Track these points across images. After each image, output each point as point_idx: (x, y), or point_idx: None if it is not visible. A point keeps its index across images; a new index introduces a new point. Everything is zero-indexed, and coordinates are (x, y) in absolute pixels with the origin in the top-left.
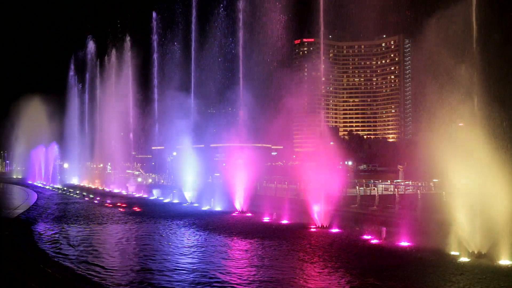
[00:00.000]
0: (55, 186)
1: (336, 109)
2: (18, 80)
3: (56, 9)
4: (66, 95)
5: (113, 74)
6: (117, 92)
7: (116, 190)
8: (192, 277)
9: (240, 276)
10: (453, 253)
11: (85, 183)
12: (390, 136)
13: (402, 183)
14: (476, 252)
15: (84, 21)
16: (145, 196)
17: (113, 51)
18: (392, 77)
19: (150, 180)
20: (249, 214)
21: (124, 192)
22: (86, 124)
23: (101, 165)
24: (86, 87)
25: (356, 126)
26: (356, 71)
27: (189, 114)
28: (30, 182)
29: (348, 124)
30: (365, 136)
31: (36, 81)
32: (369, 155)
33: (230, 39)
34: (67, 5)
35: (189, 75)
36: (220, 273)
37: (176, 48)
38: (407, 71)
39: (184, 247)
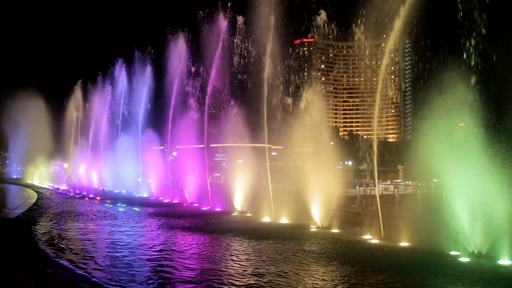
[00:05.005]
0: (56, 185)
1: (336, 109)
2: (17, 79)
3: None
4: (66, 97)
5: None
6: (116, 93)
7: (116, 190)
8: (197, 277)
9: (239, 274)
10: (453, 253)
11: (85, 183)
12: (390, 136)
13: (402, 183)
14: (476, 252)
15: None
16: (145, 195)
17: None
18: (392, 77)
19: (150, 180)
20: (249, 214)
21: (124, 192)
22: (86, 125)
23: (101, 165)
24: (86, 89)
25: (356, 126)
26: (356, 71)
27: (190, 114)
28: (30, 182)
29: (348, 124)
30: (365, 136)
31: (37, 81)
32: (369, 155)
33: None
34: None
35: (190, 76)
36: (223, 272)
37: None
38: (407, 71)
39: (185, 246)
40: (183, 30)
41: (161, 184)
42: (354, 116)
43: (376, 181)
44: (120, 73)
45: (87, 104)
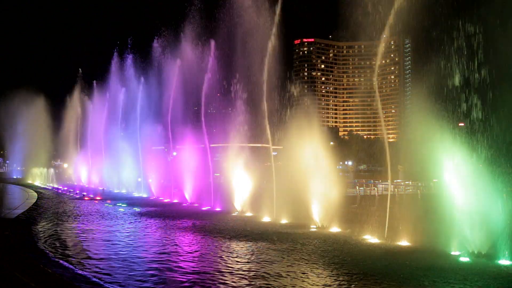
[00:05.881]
0: (56, 186)
1: (336, 109)
2: (17, 79)
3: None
4: (66, 97)
5: (114, 79)
6: (116, 93)
7: (116, 190)
8: (197, 278)
9: (234, 276)
10: (453, 253)
11: (85, 183)
12: (390, 136)
13: (402, 183)
14: (476, 252)
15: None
16: (145, 195)
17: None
18: (392, 77)
19: (150, 180)
20: (249, 214)
21: (124, 192)
22: (85, 126)
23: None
24: (85, 88)
25: (356, 126)
26: (356, 71)
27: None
28: (30, 182)
29: (348, 124)
30: (365, 136)
31: (36, 81)
32: (369, 155)
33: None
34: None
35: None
36: (222, 273)
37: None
38: (407, 71)
39: (183, 247)
40: (182, 28)
41: (161, 184)
42: (354, 116)
43: (390, 180)
44: (120, 72)
45: (86, 103)
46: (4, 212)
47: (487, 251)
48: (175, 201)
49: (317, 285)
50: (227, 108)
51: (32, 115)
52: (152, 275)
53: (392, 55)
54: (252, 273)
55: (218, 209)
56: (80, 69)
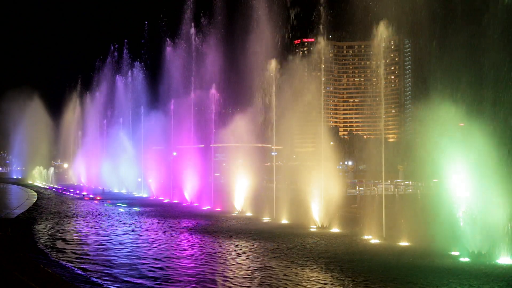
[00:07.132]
0: (56, 186)
1: (336, 109)
2: (17, 79)
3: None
4: (66, 97)
5: (113, 77)
6: (116, 93)
7: (115, 190)
8: (196, 278)
9: (238, 276)
10: (453, 253)
11: (85, 183)
12: (390, 136)
13: (402, 183)
14: (476, 252)
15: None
16: (145, 196)
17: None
18: (392, 77)
19: (150, 180)
20: (249, 214)
21: (124, 192)
22: (85, 126)
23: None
24: (85, 90)
25: (356, 126)
26: (356, 71)
27: (190, 114)
28: (30, 182)
29: (348, 124)
30: (365, 136)
31: (36, 80)
32: (369, 155)
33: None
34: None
35: (190, 77)
36: (218, 274)
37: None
38: (407, 71)
39: (182, 248)
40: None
41: (161, 184)
42: (354, 116)
43: (383, 180)
44: (120, 72)
45: (86, 103)
46: (4, 212)
47: (487, 251)
48: (175, 201)
49: (316, 285)
50: (227, 108)
51: (32, 115)
52: (149, 275)
53: (392, 55)
54: (251, 274)
55: (218, 209)
56: (79, 79)
